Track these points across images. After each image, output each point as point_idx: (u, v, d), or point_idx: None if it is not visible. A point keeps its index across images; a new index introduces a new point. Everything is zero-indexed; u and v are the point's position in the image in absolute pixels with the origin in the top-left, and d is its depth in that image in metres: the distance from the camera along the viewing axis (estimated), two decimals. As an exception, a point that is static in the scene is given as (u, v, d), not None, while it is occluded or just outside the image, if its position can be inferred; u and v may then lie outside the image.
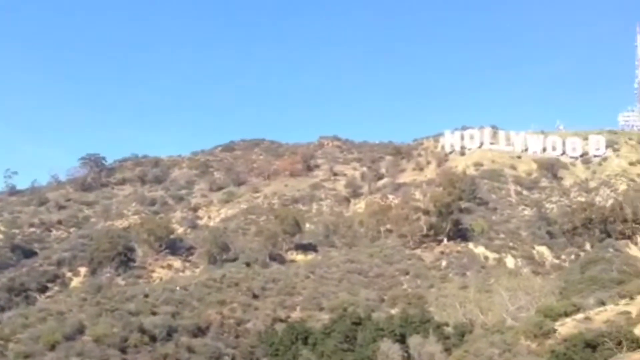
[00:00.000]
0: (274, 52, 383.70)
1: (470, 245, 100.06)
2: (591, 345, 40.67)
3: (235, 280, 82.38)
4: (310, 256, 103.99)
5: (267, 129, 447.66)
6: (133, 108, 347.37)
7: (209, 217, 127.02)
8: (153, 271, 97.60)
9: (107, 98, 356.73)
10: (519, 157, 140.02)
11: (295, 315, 73.10)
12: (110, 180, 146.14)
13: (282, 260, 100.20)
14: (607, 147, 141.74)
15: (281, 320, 69.60)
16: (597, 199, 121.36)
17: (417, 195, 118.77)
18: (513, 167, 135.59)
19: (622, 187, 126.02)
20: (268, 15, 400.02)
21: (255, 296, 78.08)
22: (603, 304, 51.43)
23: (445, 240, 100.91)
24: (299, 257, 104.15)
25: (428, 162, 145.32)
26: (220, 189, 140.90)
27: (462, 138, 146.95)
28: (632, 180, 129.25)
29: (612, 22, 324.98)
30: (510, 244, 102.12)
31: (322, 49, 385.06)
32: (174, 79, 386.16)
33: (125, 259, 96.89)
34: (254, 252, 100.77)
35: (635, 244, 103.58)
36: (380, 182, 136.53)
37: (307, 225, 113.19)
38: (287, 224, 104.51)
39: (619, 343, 39.92)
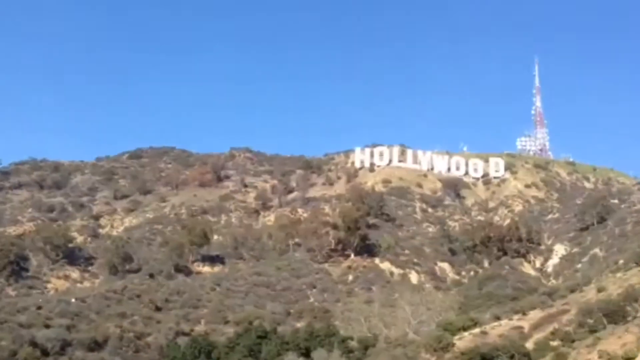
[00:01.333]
0: (186, 59, 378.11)
1: (377, 260, 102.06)
2: (486, 358, 42.40)
3: (137, 292, 79.54)
4: (217, 268, 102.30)
5: (178, 138, 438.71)
6: (34, 109, 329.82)
7: (112, 227, 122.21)
8: (48, 282, 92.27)
9: (4, 98, 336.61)
10: (425, 176, 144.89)
11: (200, 328, 71.48)
12: (5, 184, 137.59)
13: (187, 272, 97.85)
14: (505, 169, 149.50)
15: (184, 334, 67.79)
16: (496, 218, 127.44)
17: (327, 209, 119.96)
18: (419, 185, 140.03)
19: (518, 207, 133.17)
20: (181, 21, 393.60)
21: (157, 309, 75.74)
22: (498, 318, 53.83)
23: (352, 255, 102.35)
24: (206, 269, 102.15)
25: (338, 177, 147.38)
26: (125, 197, 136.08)
27: (372, 155, 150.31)
28: (527, 201, 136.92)
29: (514, 51, 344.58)
30: (415, 260, 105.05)
31: (236, 59, 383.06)
32: (80, 80, 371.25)
33: (17, 269, 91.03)
34: (159, 263, 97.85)
35: (529, 262, 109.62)
36: (291, 196, 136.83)
37: (215, 236, 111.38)
38: (194, 235, 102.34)
39: (512, 356, 41.84)
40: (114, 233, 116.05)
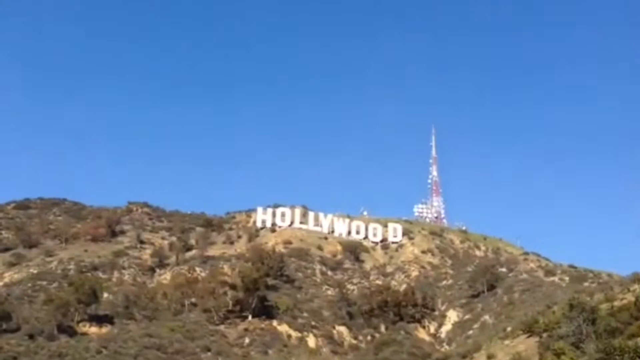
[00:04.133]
0: (82, 108, 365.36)
1: (275, 322, 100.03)
2: None
3: (13, 354, 72.87)
4: (106, 329, 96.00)
5: (71, 189, 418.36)
6: None
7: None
8: None
9: None
10: (326, 238, 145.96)
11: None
12: None
13: (72, 333, 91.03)
14: (403, 235, 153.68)
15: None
16: (393, 283, 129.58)
17: (226, 269, 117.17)
18: (320, 248, 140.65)
19: (415, 273, 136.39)
20: (77, 70, 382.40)
21: (35, 373, 69.48)
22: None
23: (250, 316, 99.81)
24: (93, 329, 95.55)
25: (239, 237, 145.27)
26: (7, 250, 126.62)
27: (274, 215, 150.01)
28: (423, 267, 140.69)
29: (413, 119, 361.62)
30: (313, 323, 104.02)
31: (137, 111, 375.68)
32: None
33: None
34: (41, 322, 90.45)
35: (424, 327, 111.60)
36: (189, 254, 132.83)
37: (106, 295, 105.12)
38: (82, 293, 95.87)
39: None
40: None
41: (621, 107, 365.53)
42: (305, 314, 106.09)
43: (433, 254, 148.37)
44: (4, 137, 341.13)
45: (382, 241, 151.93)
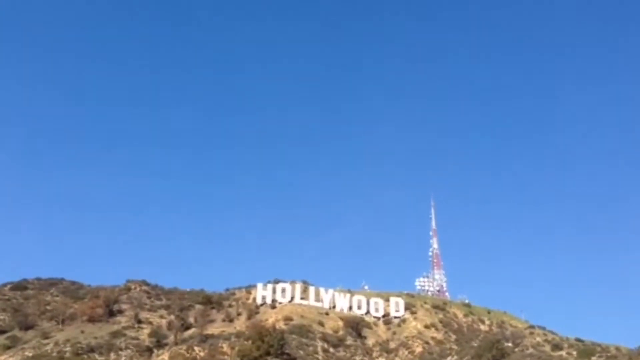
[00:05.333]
0: (79, 183, 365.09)
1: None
2: None
3: None
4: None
5: (68, 269, 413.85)
6: None
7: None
8: None
9: None
10: (327, 314, 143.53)
11: None
12: None
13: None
14: (405, 309, 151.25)
15: None
16: (397, 359, 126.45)
17: (225, 348, 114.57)
18: (321, 324, 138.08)
19: (419, 349, 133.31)
20: (72, 141, 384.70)
21: None
22: None
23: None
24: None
25: (239, 314, 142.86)
26: (2, 332, 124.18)
27: (274, 291, 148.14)
28: (427, 342, 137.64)
29: (411, 192, 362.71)
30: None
31: (133, 187, 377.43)
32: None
33: None
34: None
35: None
36: (188, 333, 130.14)
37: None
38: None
39: None
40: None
41: (625, 175, 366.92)
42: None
43: (437, 329, 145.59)
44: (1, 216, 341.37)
45: (384, 316, 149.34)
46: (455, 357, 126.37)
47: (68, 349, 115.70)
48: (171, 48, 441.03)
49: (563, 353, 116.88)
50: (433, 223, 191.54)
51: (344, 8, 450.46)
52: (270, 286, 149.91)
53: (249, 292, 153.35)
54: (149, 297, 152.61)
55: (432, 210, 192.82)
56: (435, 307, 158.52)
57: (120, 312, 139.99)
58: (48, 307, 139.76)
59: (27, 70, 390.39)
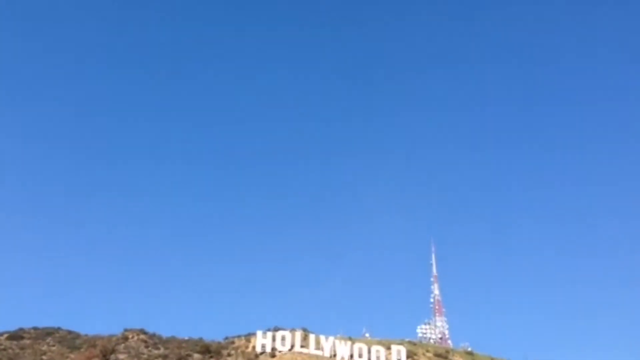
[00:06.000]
0: (71, 232, 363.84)
1: None
2: None
3: None
4: None
5: (65, 318, 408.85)
6: None
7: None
8: None
9: None
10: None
11: None
12: None
13: None
14: (407, 357, 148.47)
15: None
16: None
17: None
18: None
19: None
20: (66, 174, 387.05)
21: None
22: None
23: None
24: None
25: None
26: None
27: (274, 339, 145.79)
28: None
29: (411, 238, 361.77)
30: None
31: (131, 232, 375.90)
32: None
33: None
34: None
35: None
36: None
37: None
38: None
39: None
40: None
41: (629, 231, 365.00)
42: None
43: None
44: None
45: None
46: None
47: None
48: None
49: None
50: (434, 269, 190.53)
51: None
52: (269, 334, 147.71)
53: (248, 341, 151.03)
54: (146, 347, 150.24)
55: (433, 256, 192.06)
56: (438, 355, 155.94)
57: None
58: (44, 357, 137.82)
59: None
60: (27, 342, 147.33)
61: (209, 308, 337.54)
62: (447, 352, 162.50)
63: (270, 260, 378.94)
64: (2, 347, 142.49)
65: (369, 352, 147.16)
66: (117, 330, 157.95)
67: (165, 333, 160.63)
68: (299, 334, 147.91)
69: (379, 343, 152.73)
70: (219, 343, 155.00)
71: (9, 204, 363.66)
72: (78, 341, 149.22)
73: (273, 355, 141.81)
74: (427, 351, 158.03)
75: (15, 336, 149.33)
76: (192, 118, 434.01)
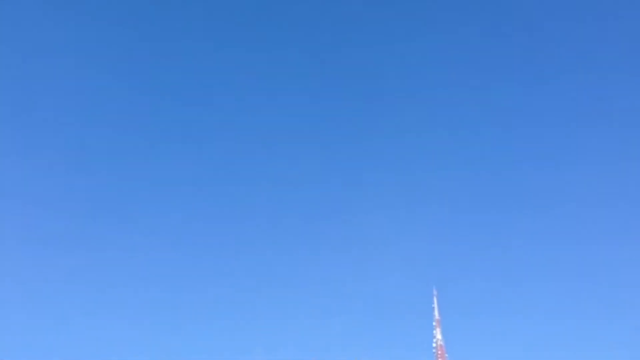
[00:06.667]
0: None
1: None
2: None
3: None
4: None
5: None
6: None
7: None
8: None
9: None
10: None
11: None
12: None
13: None
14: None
15: None
16: None
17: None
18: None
19: None
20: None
21: None
22: None
23: None
24: None
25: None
26: None
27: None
28: None
29: (413, 282, 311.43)
30: None
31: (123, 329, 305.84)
32: None
33: None
34: None
35: None
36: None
37: None
38: None
39: None
40: None
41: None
42: None
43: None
44: None
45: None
46: None
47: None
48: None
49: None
50: (436, 313, 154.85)
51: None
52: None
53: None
54: None
55: (435, 300, 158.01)
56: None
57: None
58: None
59: None
60: None
61: (209, 353, 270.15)
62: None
63: (270, 304, 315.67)
64: None
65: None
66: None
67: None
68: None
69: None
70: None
71: None
72: None
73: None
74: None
75: None
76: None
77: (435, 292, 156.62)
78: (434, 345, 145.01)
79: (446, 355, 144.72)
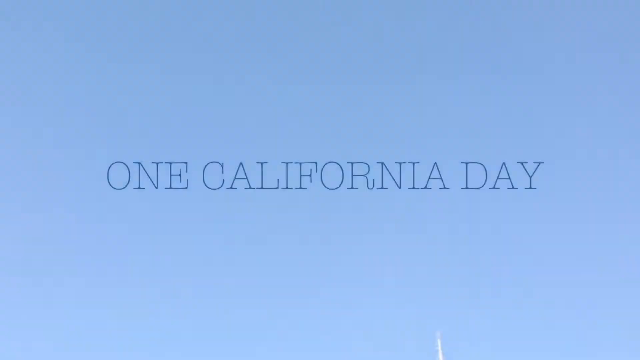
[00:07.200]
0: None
1: None
2: None
3: None
4: None
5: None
6: None
7: None
8: None
9: None
10: None
11: None
12: None
13: None
14: None
15: None
16: None
17: None
18: None
19: None
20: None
21: None
22: None
23: None
24: None
25: None
26: None
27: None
28: None
29: (415, 323, 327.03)
30: None
31: None
32: None
33: None
34: None
35: None
36: None
37: None
38: None
39: None
40: None
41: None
42: None
43: None
44: None
45: None
46: None
47: None
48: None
49: None
50: (440, 355, 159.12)
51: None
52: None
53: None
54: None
55: (439, 342, 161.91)
56: None
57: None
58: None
59: None
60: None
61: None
62: None
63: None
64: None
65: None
66: None
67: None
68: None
69: None
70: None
71: None
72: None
73: None
74: None
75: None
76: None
77: (439, 334, 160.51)
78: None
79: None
